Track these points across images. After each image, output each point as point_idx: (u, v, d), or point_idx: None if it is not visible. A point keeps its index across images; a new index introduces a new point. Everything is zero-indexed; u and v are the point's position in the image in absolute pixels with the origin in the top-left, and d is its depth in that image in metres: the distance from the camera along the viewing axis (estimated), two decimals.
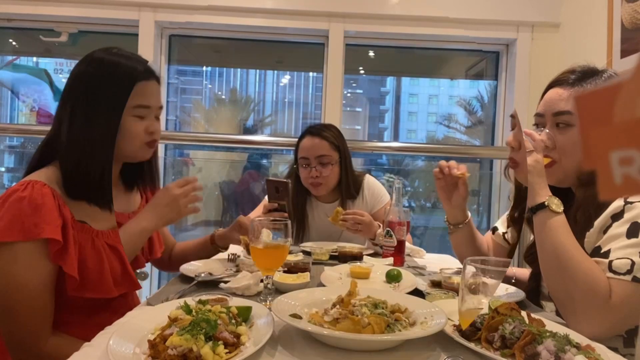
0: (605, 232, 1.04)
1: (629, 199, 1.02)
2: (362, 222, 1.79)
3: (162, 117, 1.33)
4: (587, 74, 1.16)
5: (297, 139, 2.05)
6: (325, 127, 2.02)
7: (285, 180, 1.64)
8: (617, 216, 1.03)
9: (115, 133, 1.17)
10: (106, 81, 1.17)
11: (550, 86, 1.21)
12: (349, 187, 2.03)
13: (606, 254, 1.01)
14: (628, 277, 0.95)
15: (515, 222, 1.40)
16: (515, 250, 1.48)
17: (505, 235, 1.51)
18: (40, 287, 1.04)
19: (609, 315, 0.95)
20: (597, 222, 1.06)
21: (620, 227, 1.01)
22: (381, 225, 1.85)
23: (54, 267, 1.06)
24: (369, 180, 2.12)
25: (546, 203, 1.05)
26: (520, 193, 1.34)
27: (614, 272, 0.97)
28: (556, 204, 1.05)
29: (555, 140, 1.15)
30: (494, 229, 1.56)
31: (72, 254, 1.06)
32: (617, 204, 1.03)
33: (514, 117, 1.18)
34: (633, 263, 0.96)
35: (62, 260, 1.05)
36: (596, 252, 1.03)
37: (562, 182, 1.19)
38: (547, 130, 1.17)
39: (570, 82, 1.16)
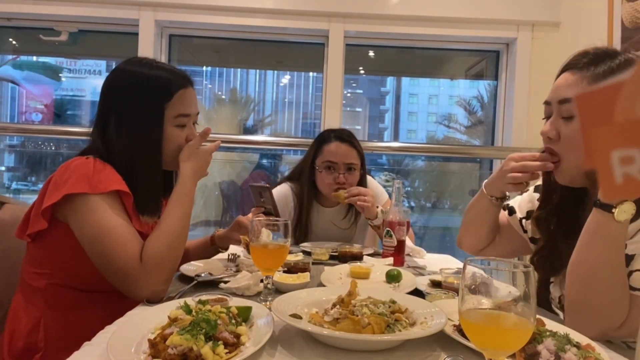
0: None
1: None
2: (366, 194, 1.83)
3: None
4: (600, 56, 1.01)
5: (297, 138, 2.06)
6: (352, 135, 1.99)
7: (266, 185, 1.65)
8: None
9: (160, 144, 1.20)
10: (146, 93, 1.19)
11: (562, 71, 1.07)
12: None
13: (629, 259, 0.93)
14: None
15: (543, 223, 1.19)
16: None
17: (523, 222, 1.31)
18: (120, 225, 1.08)
19: (615, 333, 0.93)
20: (633, 226, 0.94)
21: None
22: (379, 207, 1.87)
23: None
24: (368, 180, 2.14)
25: (613, 208, 0.89)
26: (551, 190, 1.16)
27: (631, 288, 0.92)
28: (624, 212, 0.88)
29: (559, 131, 1.03)
30: (511, 210, 1.35)
31: (135, 212, 1.15)
32: None
33: (549, 103, 1.05)
34: None
35: (134, 214, 1.13)
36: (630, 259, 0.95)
37: (574, 182, 1.07)
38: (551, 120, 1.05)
39: (580, 66, 1.01)
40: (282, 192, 2.04)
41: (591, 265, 0.93)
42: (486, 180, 1.29)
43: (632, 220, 0.93)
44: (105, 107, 1.21)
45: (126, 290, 1.08)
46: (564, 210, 1.13)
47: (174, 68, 1.26)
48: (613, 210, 0.88)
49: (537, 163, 1.11)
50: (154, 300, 1.05)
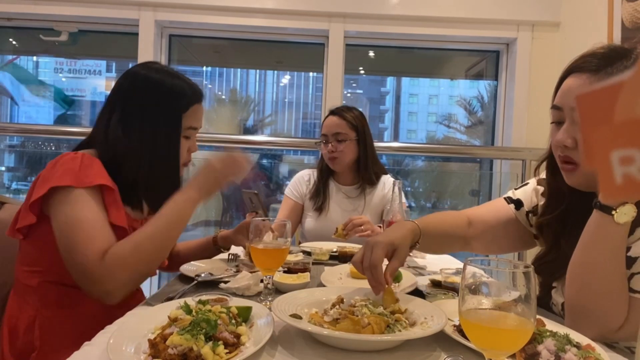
0: None
1: None
2: (362, 223, 1.79)
3: None
4: (612, 56, 0.95)
5: (297, 139, 2.12)
6: (347, 108, 2.18)
7: (254, 191, 1.67)
8: None
9: (178, 150, 1.24)
10: (168, 101, 1.23)
11: (568, 73, 1.00)
12: (367, 168, 2.15)
13: (632, 261, 0.93)
14: None
15: (544, 229, 1.15)
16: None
17: (530, 216, 1.25)
18: (96, 219, 1.08)
19: (614, 335, 0.93)
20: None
21: None
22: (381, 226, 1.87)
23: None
24: (391, 179, 2.18)
25: (614, 210, 0.87)
26: (558, 196, 1.11)
27: (632, 290, 0.92)
28: (625, 215, 0.87)
29: (576, 138, 0.97)
30: (518, 204, 1.27)
31: (120, 207, 1.15)
32: None
33: (560, 108, 1.00)
34: None
35: (113, 207, 1.13)
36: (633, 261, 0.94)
37: (587, 187, 1.02)
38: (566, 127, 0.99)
39: (592, 68, 0.95)
40: (304, 172, 2.30)
41: (590, 266, 0.93)
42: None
43: (636, 226, 0.93)
44: (120, 109, 1.22)
45: (83, 285, 1.07)
46: (571, 216, 1.09)
47: (191, 81, 1.30)
48: (613, 212, 0.88)
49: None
50: (106, 300, 1.06)
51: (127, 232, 1.14)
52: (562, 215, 1.12)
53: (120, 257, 1.05)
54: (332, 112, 2.18)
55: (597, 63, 0.96)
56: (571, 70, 1.00)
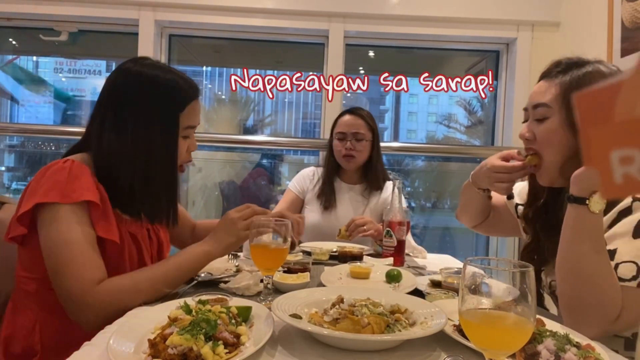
0: (610, 226, 1.00)
1: (639, 196, 0.98)
2: (365, 223, 1.80)
3: None
4: (570, 65, 1.13)
5: (297, 139, 2.10)
6: (362, 109, 2.22)
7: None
8: (624, 213, 0.99)
9: (175, 154, 1.19)
10: (163, 101, 1.16)
11: (540, 79, 1.19)
12: (375, 171, 2.17)
13: (612, 254, 0.97)
14: (634, 284, 0.93)
15: (529, 221, 1.29)
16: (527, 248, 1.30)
17: (518, 208, 1.41)
18: (85, 243, 1.04)
19: (613, 326, 0.94)
20: (605, 219, 1.00)
21: (626, 226, 0.97)
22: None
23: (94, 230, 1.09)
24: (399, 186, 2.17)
25: (587, 200, 0.94)
26: (537, 191, 1.27)
27: (619, 279, 0.94)
28: (597, 203, 0.94)
29: (534, 132, 1.15)
30: (510, 195, 1.46)
31: (110, 219, 1.10)
32: (626, 200, 0.99)
33: (526, 109, 1.19)
34: (639, 268, 0.93)
35: (102, 221, 1.08)
36: None
37: (554, 182, 1.17)
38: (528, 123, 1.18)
39: (553, 75, 1.14)
40: (308, 169, 2.32)
41: (577, 259, 0.96)
42: (473, 171, 1.41)
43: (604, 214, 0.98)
44: (112, 109, 1.16)
45: (68, 308, 1.04)
46: (548, 210, 1.23)
47: (185, 76, 1.22)
48: (587, 202, 0.94)
49: (521, 172, 1.25)
50: (84, 326, 1.02)
51: (117, 245, 1.10)
52: (540, 209, 1.25)
53: (115, 291, 1.02)
54: (349, 112, 2.19)
55: (557, 71, 1.13)
56: (540, 76, 1.19)
